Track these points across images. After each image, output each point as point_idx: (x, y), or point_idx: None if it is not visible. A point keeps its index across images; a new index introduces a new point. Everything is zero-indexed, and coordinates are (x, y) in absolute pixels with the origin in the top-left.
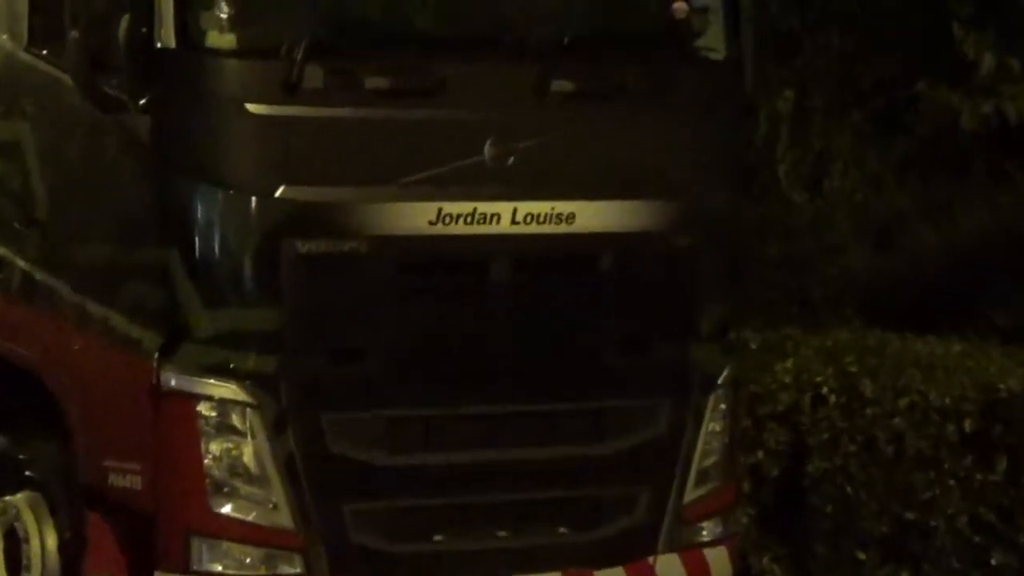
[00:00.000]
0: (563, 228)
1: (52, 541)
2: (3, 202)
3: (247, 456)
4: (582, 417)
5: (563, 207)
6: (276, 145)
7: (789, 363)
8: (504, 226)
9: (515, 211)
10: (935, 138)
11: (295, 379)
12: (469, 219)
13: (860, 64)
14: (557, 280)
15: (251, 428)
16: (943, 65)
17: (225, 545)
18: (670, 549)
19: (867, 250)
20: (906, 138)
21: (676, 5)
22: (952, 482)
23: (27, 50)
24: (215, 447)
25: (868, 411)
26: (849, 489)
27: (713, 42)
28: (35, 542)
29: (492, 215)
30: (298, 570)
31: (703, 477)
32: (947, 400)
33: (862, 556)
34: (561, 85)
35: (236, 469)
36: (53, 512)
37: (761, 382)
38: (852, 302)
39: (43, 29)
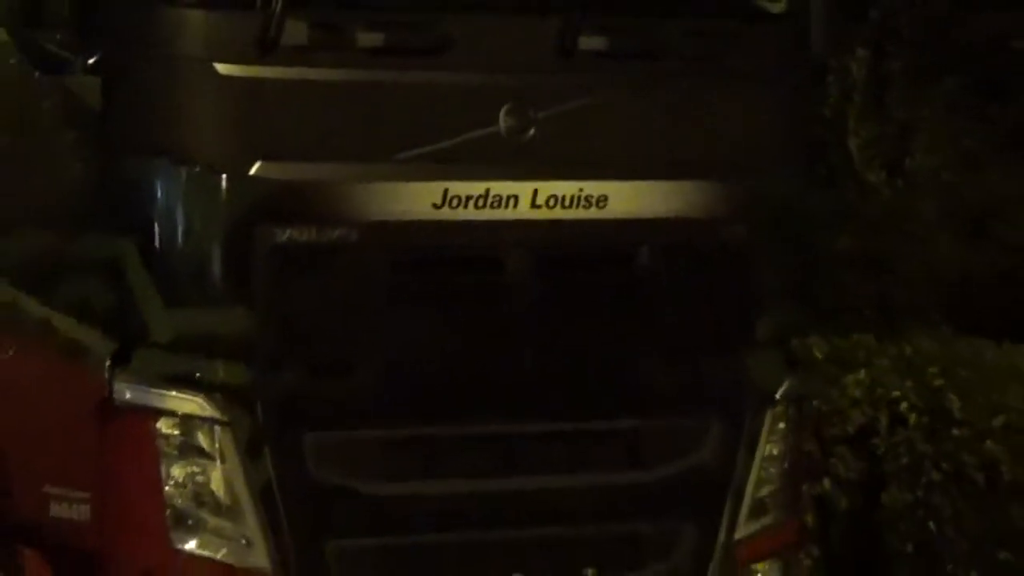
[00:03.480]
0: (593, 213)
1: None
2: None
3: (216, 482)
4: (615, 440)
5: (593, 188)
6: (250, 113)
7: (862, 375)
8: (523, 210)
9: (536, 193)
10: None
11: (273, 392)
12: (481, 202)
13: (952, 17)
14: (585, 276)
15: (221, 449)
16: None
17: None
18: None
19: (958, 243)
20: (1008, 107)
21: None
22: None
23: None
24: (178, 471)
25: (956, 432)
26: (933, 526)
27: None
28: None
29: (508, 197)
30: None
31: (758, 510)
32: None
33: None
34: (590, 42)
35: (202, 498)
36: None
37: (828, 398)
38: (939, 305)
39: None
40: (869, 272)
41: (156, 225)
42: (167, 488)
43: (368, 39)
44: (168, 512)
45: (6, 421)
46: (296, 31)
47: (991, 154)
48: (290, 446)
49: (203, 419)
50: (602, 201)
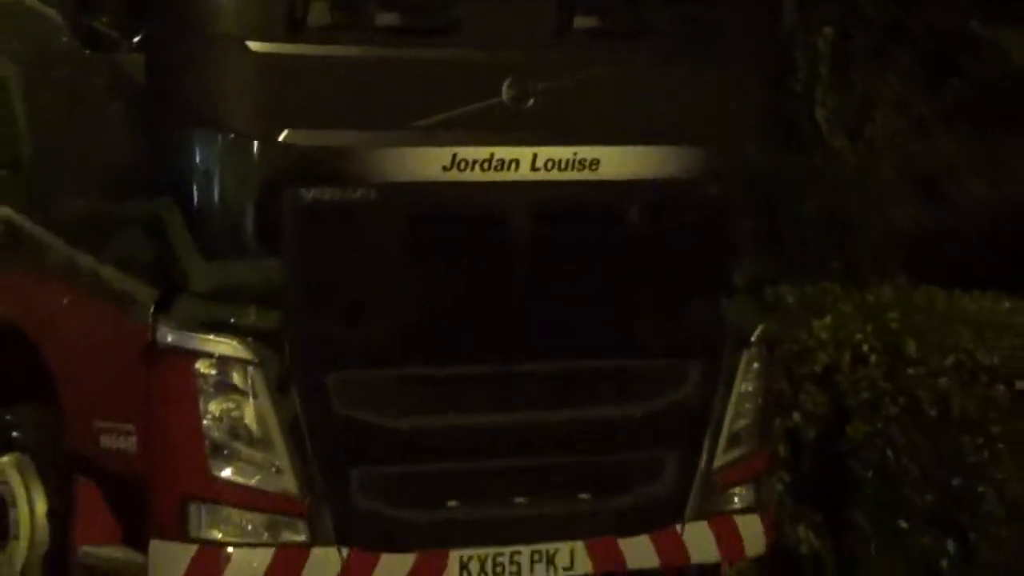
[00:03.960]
0: (586, 175)
1: (41, 507)
2: None
3: (248, 417)
4: (605, 378)
5: (586, 152)
6: (279, 86)
7: (828, 320)
8: (523, 173)
9: (535, 157)
10: (989, 83)
11: (299, 336)
12: (486, 165)
13: (909, 2)
14: (580, 231)
15: (253, 387)
16: (1001, 4)
17: (225, 511)
18: (699, 516)
19: (913, 202)
20: (957, 82)
21: None
22: (1001, 446)
23: None
24: (215, 407)
25: (911, 371)
26: (891, 454)
27: None
28: (23, 507)
29: (510, 161)
30: (302, 537)
31: (734, 441)
32: (996, 359)
33: (904, 525)
34: (583, 22)
35: (237, 430)
36: (42, 476)
37: (798, 340)
38: (896, 257)
39: None
40: (834, 228)
41: (195, 186)
42: (205, 422)
43: (385, 19)
44: (206, 443)
45: (62, 365)
46: (320, 12)
47: (941, 123)
48: (314, 384)
49: (237, 360)
50: (594, 164)
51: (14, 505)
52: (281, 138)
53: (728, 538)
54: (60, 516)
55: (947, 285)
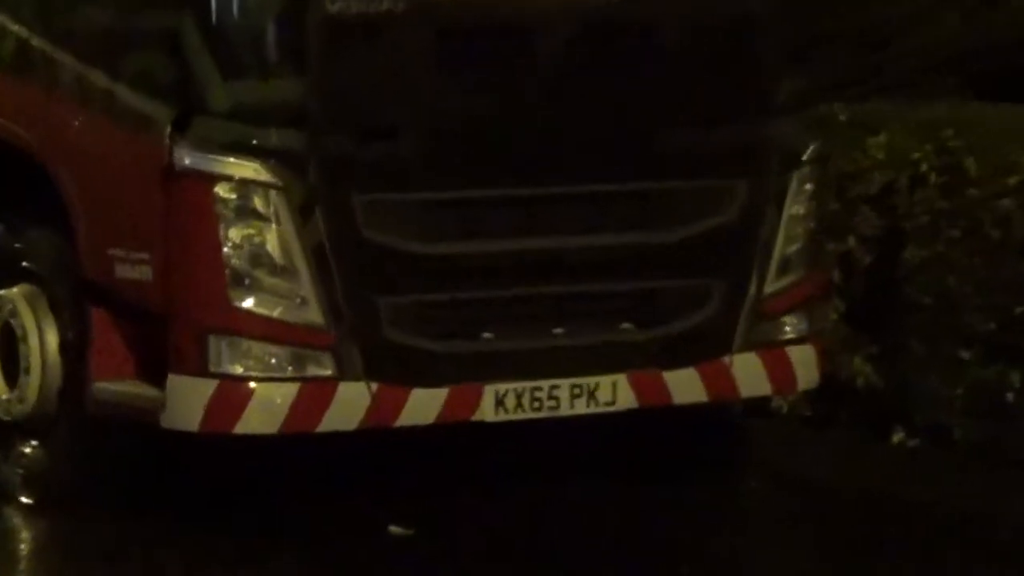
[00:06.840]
0: None
1: (53, 340)
2: None
3: (271, 243)
4: (644, 200)
5: None
6: None
7: (882, 138)
8: None
9: None
10: None
11: (324, 157)
12: None
13: None
14: (614, 47)
15: (275, 212)
16: None
17: (247, 344)
18: (749, 347)
19: (960, 14)
20: None
21: None
22: None
23: None
24: (235, 233)
25: (972, 192)
26: (951, 280)
27: None
28: (34, 341)
29: None
30: (329, 371)
31: (785, 267)
32: None
33: (965, 355)
34: None
35: (259, 258)
36: (54, 308)
37: (852, 160)
38: (948, 71)
39: None
40: (882, 43)
41: None
42: (225, 250)
43: None
44: (227, 272)
45: (75, 190)
46: None
47: None
48: (340, 208)
49: (258, 183)
50: None
51: (25, 339)
52: None
53: (779, 370)
54: (74, 350)
55: (996, 99)
